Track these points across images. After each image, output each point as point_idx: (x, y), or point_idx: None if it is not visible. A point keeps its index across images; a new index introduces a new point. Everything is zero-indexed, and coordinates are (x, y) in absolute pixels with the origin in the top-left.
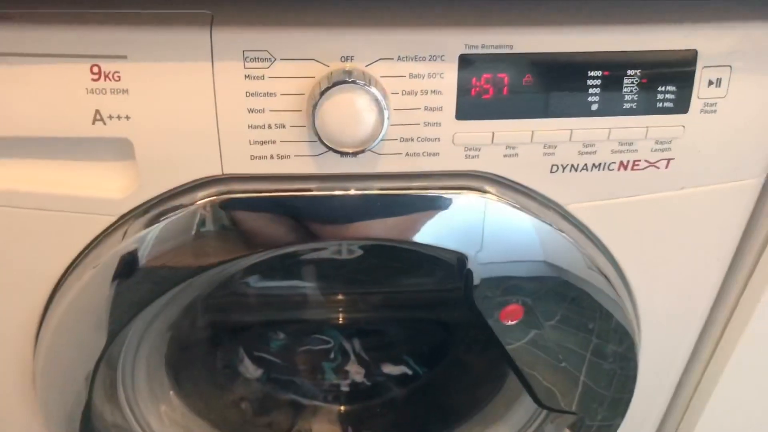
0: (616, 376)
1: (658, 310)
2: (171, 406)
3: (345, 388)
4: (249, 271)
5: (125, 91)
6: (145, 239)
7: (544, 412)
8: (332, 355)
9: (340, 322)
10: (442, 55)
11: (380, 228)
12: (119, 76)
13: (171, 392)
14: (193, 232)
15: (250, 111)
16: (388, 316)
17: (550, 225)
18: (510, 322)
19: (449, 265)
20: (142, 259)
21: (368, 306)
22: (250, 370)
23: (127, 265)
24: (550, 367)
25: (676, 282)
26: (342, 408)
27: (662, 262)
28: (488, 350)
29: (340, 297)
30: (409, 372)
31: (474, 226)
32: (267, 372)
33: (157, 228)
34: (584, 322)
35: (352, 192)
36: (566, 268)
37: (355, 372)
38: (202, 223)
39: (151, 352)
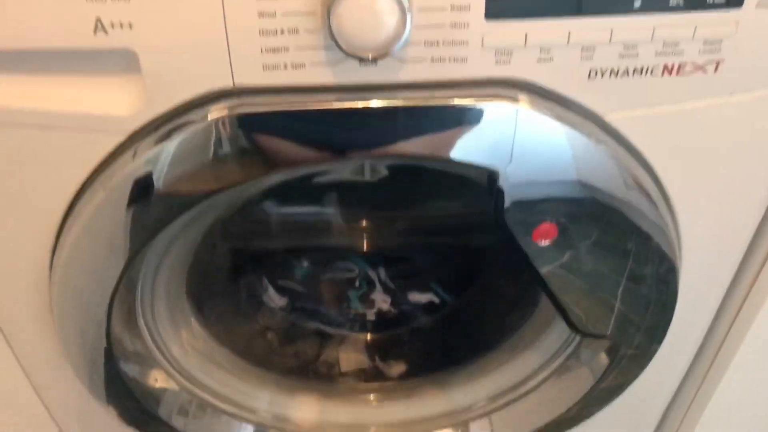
0: (653, 300)
1: (701, 231)
2: (192, 334)
3: (371, 317)
4: (269, 195)
5: None
6: (158, 159)
7: (577, 338)
8: (357, 283)
9: (365, 249)
10: None
11: (404, 142)
12: None
13: (192, 320)
14: (209, 151)
15: (261, 15)
16: (414, 242)
17: (588, 137)
18: (543, 243)
19: (478, 186)
20: (157, 181)
21: (393, 232)
22: (275, 299)
23: (142, 188)
24: (584, 291)
25: (722, 200)
26: (368, 337)
27: (708, 178)
28: (518, 276)
29: (364, 223)
30: (436, 300)
31: (506, 140)
32: (291, 301)
33: (169, 146)
34: (622, 243)
35: (374, 104)
36: (604, 184)
37: (381, 300)
38: (217, 141)
39: (171, 279)
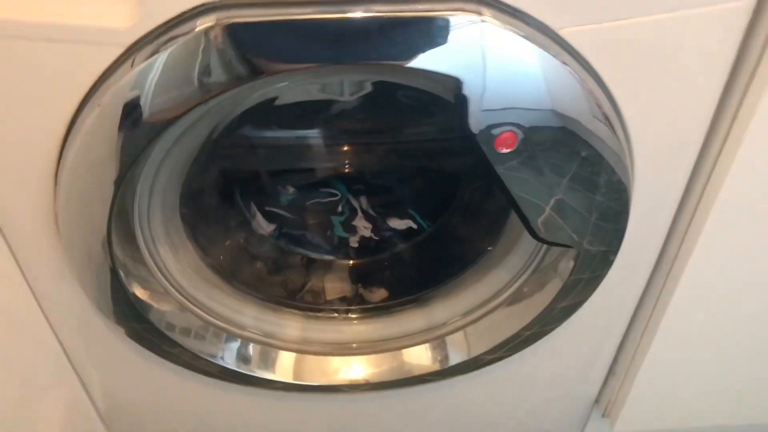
0: (607, 209)
1: (651, 142)
2: (187, 254)
3: (354, 244)
4: (254, 118)
5: None
6: (150, 69)
7: (540, 253)
8: (340, 209)
9: (347, 171)
10: None
11: (378, 51)
12: None
13: (187, 241)
14: (197, 60)
15: None
16: (393, 165)
17: (549, 51)
18: (504, 150)
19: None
20: (148, 92)
21: (373, 157)
22: (263, 225)
23: (133, 103)
24: (542, 196)
25: (670, 112)
26: (351, 263)
27: (656, 92)
28: (488, 199)
29: (345, 148)
30: (414, 226)
31: (472, 51)
32: (279, 227)
33: (160, 57)
34: (576, 150)
35: (349, 15)
36: (565, 99)
37: (363, 227)
38: (205, 50)
39: (165, 201)
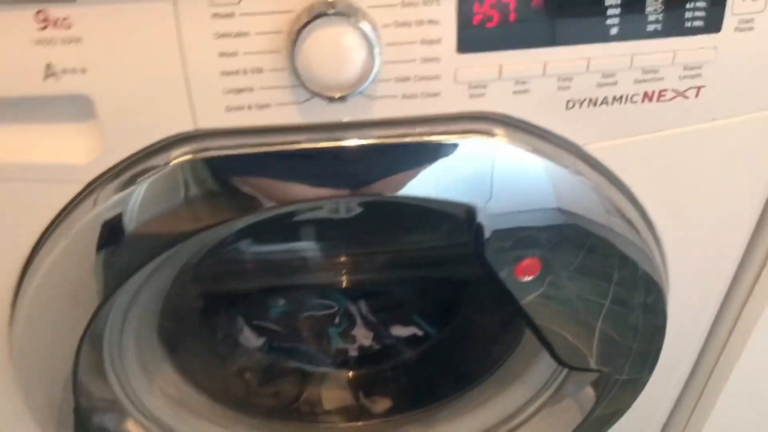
0: (642, 329)
1: (687, 256)
2: (166, 381)
3: (353, 353)
4: (241, 234)
5: (78, 40)
6: (125, 204)
7: (565, 370)
8: (337, 320)
9: (344, 285)
10: None
11: (379, 182)
12: (69, 23)
13: (165, 366)
14: (173, 196)
15: (222, 55)
16: (394, 277)
17: (566, 168)
18: (526, 278)
19: (457, 219)
20: (128, 225)
21: (373, 267)
22: (251, 339)
23: (111, 232)
24: (570, 323)
25: (708, 226)
26: (351, 373)
27: (692, 204)
28: (501, 306)
29: (342, 259)
30: (420, 333)
31: (483, 175)
32: (269, 341)
33: (134, 191)
34: (607, 271)
35: (345, 143)
36: (585, 214)
37: (363, 336)
38: (181, 185)
39: (140, 326)
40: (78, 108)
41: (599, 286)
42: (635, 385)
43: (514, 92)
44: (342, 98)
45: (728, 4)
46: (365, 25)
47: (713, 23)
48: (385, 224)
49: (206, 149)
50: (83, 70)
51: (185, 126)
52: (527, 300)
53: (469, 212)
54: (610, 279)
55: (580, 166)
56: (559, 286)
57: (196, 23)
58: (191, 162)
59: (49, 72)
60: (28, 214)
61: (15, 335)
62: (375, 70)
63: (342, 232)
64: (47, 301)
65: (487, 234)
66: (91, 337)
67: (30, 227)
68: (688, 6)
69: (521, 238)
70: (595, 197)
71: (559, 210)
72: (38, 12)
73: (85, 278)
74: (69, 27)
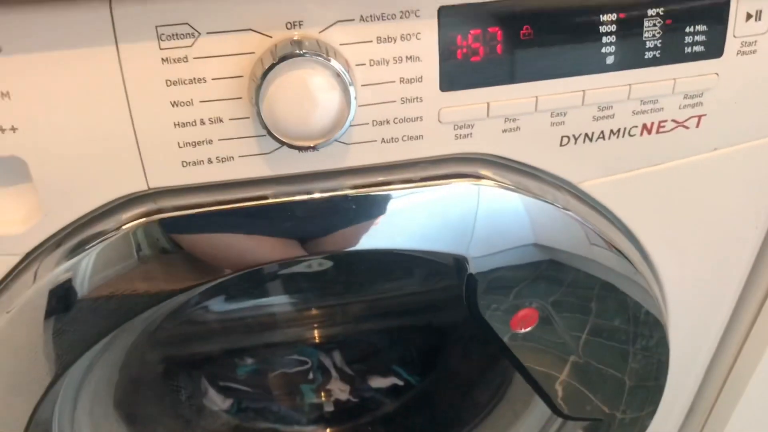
0: (644, 375)
1: (686, 290)
2: None
3: (329, 408)
4: (203, 295)
5: (5, 95)
6: (76, 271)
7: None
8: (311, 376)
9: (317, 340)
10: (417, 10)
11: (357, 237)
12: None
13: None
14: (128, 262)
15: (174, 104)
16: (370, 328)
17: (561, 209)
18: (523, 330)
19: (436, 264)
20: (79, 291)
21: (348, 318)
22: (218, 401)
23: (61, 301)
24: (571, 375)
25: (707, 258)
26: (328, 431)
27: (692, 238)
28: (486, 350)
29: (314, 312)
30: (401, 383)
31: (470, 222)
32: (237, 401)
33: (82, 260)
34: (608, 314)
35: (317, 195)
36: (583, 254)
37: (339, 390)
38: (136, 250)
39: (94, 401)
40: (9, 171)
41: (600, 327)
42: (635, 425)
43: (504, 130)
44: (314, 147)
45: (730, 26)
46: (337, 65)
47: (715, 47)
48: (358, 273)
49: (160, 210)
50: (13, 129)
51: (135, 186)
52: (523, 351)
53: (459, 263)
54: (611, 321)
55: (573, 205)
56: (557, 333)
57: (144, 69)
58: (146, 226)
59: None
60: None
61: None
62: (350, 114)
63: (313, 284)
64: None
65: (479, 287)
66: (37, 427)
67: None
68: (687, 30)
69: (516, 288)
70: (595, 238)
71: (554, 259)
72: None
73: (31, 359)
74: None
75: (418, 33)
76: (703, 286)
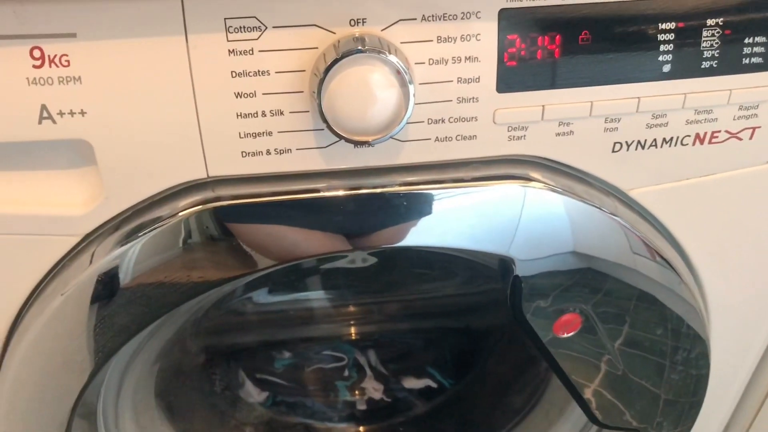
0: (683, 387)
1: (731, 309)
2: None
3: (361, 407)
4: (247, 287)
5: (77, 80)
6: (124, 258)
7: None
8: (346, 373)
9: (354, 337)
10: (478, 12)
11: (406, 233)
12: (68, 61)
13: (164, 428)
14: (178, 249)
15: (238, 96)
16: (407, 328)
17: (610, 216)
18: (566, 335)
19: (478, 265)
20: (124, 279)
21: (384, 316)
22: (253, 394)
23: (107, 287)
24: (608, 379)
25: (754, 274)
26: (360, 429)
27: (739, 252)
28: (522, 356)
29: (351, 308)
30: (434, 385)
31: (517, 223)
32: (273, 395)
33: (133, 247)
34: (648, 325)
35: (369, 191)
36: (627, 264)
37: (373, 389)
38: (189, 238)
39: (137, 388)
40: (76, 154)
41: (643, 340)
42: None
43: (557, 134)
44: (371, 143)
45: None
46: (397, 63)
47: None
48: (400, 272)
49: (218, 198)
50: (82, 113)
51: (196, 174)
52: (563, 356)
53: (504, 265)
54: (653, 331)
55: (620, 211)
56: (600, 342)
57: (210, 60)
58: (201, 213)
59: (45, 114)
60: (17, 270)
61: (0, 405)
62: (408, 112)
63: (354, 281)
64: (37, 368)
65: (525, 289)
66: (83, 407)
67: (18, 285)
68: (746, 41)
69: (561, 293)
70: (639, 247)
71: (599, 268)
72: (33, 47)
73: (79, 342)
74: (68, 65)
75: (478, 34)
76: (747, 302)
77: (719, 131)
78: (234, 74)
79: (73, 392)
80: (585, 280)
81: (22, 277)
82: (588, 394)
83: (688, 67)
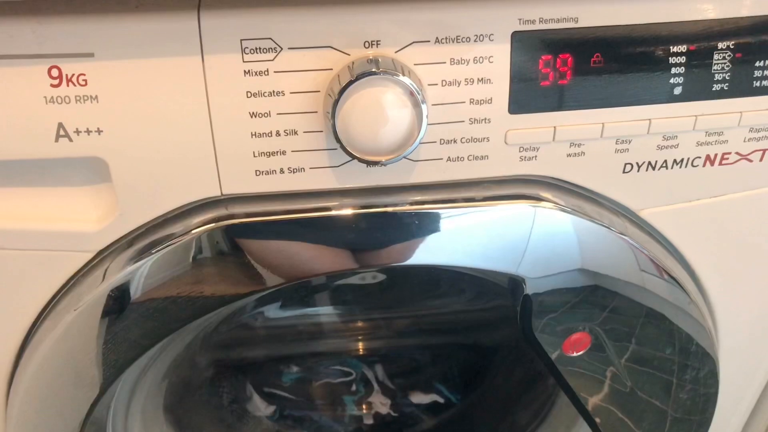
0: (692, 407)
1: (740, 329)
2: None
3: (368, 421)
4: (257, 302)
5: (94, 98)
6: (136, 274)
7: None
8: (353, 387)
9: (361, 352)
10: (491, 34)
11: (417, 252)
12: (85, 80)
13: None
14: (191, 266)
15: (253, 115)
16: (414, 343)
17: (619, 235)
18: (575, 353)
19: (487, 283)
20: (135, 294)
21: (392, 332)
22: (261, 407)
23: (117, 302)
24: (616, 397)
25: (763, 295)
26: None
27: (749, 273)
28: (529, 372)
29: (360, 324)
30: (441, 400)
31: (527, 243)
32: (280, 408)
33: (146, 263)
34: (658, 343)
35: (380, 209)
36: (637, 283)
37: (380, 403)
38: (201, 255)
39: (146, 402)
40: (91, 171)
41: (652, 359)
42: None
43: (569, 155)
44: (384, 162)
45: None
46: (411, 84)
47: None
48: (409, 288)
49: (231, 216)
50: (99, 131)
51: (210, 192)
52: (572, 374)
53: (515, 284)
54: (662, 349)
55: (630, 231)
56: (609, 361)
57: (226, 81)
58: (215, 231)
59: (62, 132)
60: (31, 285)
61: (11, 417)
62: (421, 132)
63: (363, 297)
64: (48, 382)
65: (535, 308)
66: (93, 421)
67: (31, 300)
68: (757, 64)
69: (571, 312)
70: (649, 266)
71: (609, 286)
72: (52, 67)
73: (91, 357)
74: (85, 84)
75: (491, 56)
76: (757, 321)
77: (730, 153)
78: (249, 94)
79: (84, 406)
80: (596, 298)
81: (36, 292)
82: (596, 411)
83: (699, 89)
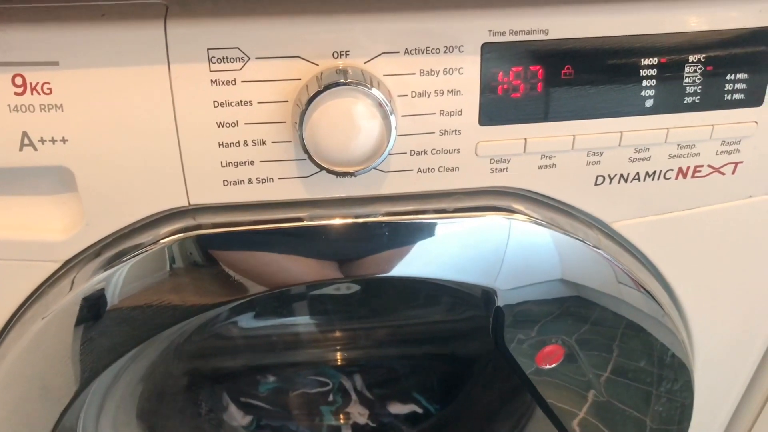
0: (668, 410)
1: (716, 341)
2: None
3: (347, 431)
4: (231, 311)
5: (59, 107)
6: (109, 282)
7: None
8: (331, 398)
9: (339, 362)
10: (461, 46)
11: (388, 263)
12: (50, 88)
13: None
14: (159, 276)
15: (220, 125)
16: (392, 353)
17: (592, 247)
18: (548, 365)
19: (463, 294)
20: (112, 301)
21: (370, 342)
22: (237, 417)
23: (92, 310)
24: (593, 408)
25: (737, 306)
26: None
27: (722, 284)
28: (508, 382)
29: (337, 334)
30: (420, 410)
31: (500, 255)
32: (257, 418)
33: (120, 270)
34: (633, 354)
35: (351, 220)
36: (611, 293)
37: (358, 414)
38: (170, 265)
39: (118, 410)
40: (57, 180)
41: (626, 366)
42: None
43: (540, 167)
44: (352, 173)
45: None
46: (380, 95)
47: (755, 96)
48: (385, 299)
49: (199, 226)
50: (64, 140)
51: (177, 202)
52: (546, 386)
53: (487, 296)
54: (638, 360)
55: (605, 244)
56: (582, 372)
57: (193, 90)
58: (182, 241)
59: (26, 141)
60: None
61: None
62: (390, 143)
63: (340, 307)
64: (16, 392)
65: (507, 320)
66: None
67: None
68: (728, 77)
69: (543, 324)
70: (623, 278)
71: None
72: (15, 75)
73: (61, 365)
74: (50, 92)
75: (461, 68)
76: (731, 333)
77: (702, 166)
78: (216, 104)
79: (53, 415)
80: (569, 309)
81: (1, 302)
82: (573, 423)
83: (670, 102)
